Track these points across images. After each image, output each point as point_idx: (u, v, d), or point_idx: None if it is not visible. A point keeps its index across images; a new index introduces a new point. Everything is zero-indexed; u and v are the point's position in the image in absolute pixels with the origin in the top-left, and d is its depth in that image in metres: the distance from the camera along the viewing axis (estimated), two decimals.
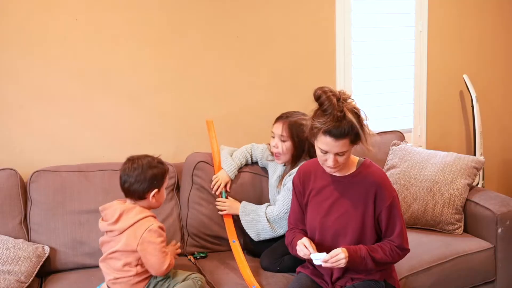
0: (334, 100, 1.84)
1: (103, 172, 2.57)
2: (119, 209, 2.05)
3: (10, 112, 2.63)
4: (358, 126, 1.86)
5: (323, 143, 1.89)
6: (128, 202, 2.11)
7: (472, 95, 3.59)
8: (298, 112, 2.43)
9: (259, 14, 3.06)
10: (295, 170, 2.32)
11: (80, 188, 2.51)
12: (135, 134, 2.86)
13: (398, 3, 3.44)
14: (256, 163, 2.71)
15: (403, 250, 2.02)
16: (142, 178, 2.06)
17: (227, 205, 2.53)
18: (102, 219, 2.11)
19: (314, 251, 1.96)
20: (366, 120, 1.93)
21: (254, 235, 2.45)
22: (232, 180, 2.60)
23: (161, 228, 2.07)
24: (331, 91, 1.87)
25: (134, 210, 2.06)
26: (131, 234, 2.02)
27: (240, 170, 2.65)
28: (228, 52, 3.01)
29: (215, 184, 2.58)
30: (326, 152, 1.91)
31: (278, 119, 2.43)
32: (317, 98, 1.87)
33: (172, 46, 2.88)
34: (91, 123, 2.77)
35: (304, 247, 1.97)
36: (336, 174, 2.04)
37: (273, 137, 2.43)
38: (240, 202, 2.54)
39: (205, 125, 2.74)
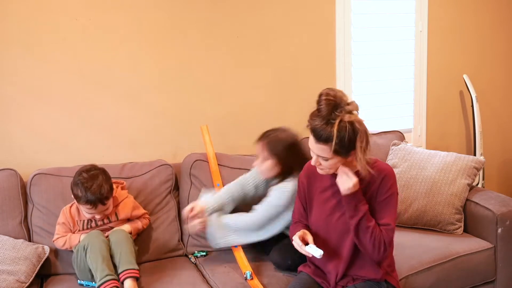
0: (332, 104, 1.83)
1: None
2: None
3: (10, 112, 2.63)
4: (344, 140, 1.82)
5: (309, 141, 1.92)
6: None
7: (472, 95, 3.59)
8: (279, 128, 2.41)
9: (259, 14, 3.06)
10: (284, 184, 2.35)
11: None
12: (135, 134, 2.86)
13: (398, 3, 3.44)
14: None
15: (387, 226, 1.96)
16: None
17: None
18: None
19: (311, 243, 1.98)
20: (366, 138, 1.85)
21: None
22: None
23: (65, 210, 2.40)
24: (333, 96, 1.84)
25: None
26: None
27: None
28: (228, 52, 3.01)
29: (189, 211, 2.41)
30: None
31: (258, 139, 2.40)
32: (318, 97, 1.87)
33: (172, 46, 2.88)
34: (91, 123, 2.77)
35: (298, 241, 1.98)
36: None
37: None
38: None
39: (204, 127, 2.74)
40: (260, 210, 2.38)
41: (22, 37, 2.59)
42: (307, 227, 2.13)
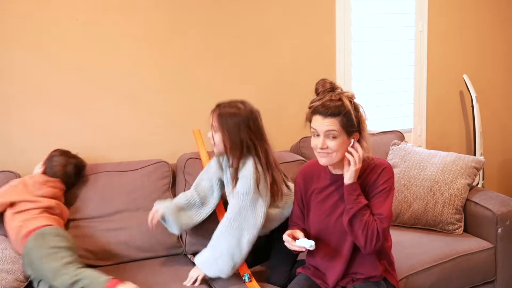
0: (328, 86, 1.95)
1: (104, 174, 2.61)
2: None
3: (10, 112, 2.63)
4: (351, 114, 1.91)
5: (313, 123, 1.94)
6: None
7: (472, 95, 3.59)
8: (236, 101, 2.28)
9: (259, 14, 3.06)
10: (247, 173, 2.21)
11: (83, 195, 2.55)
12: (135, 134, 2.86)
13: (398, 3, 3.44)
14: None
15: (380, 215, 1.94)
16: None
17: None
18: None
19: (302, 237, 1.97)
20: (364, 112, 2.00)
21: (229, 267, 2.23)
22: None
23: None
24: (330, 82, 1.98)
25: None
26: None
27: None
28: (228, 52, 3.02)
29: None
30: (318, 135, 1.94)
31: (213, 109, 2.29)
32: (315, 85, 1.98)
33: (172, 46, 2.88)
34: (91, 123, 2.77)
35: (288, 238, 1.98)
36: (337, 172, 2.03)
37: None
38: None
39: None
40: (231, 204, 2.26)
41: (22, 37, 2.59)
42: (304, 230, 2.13)
